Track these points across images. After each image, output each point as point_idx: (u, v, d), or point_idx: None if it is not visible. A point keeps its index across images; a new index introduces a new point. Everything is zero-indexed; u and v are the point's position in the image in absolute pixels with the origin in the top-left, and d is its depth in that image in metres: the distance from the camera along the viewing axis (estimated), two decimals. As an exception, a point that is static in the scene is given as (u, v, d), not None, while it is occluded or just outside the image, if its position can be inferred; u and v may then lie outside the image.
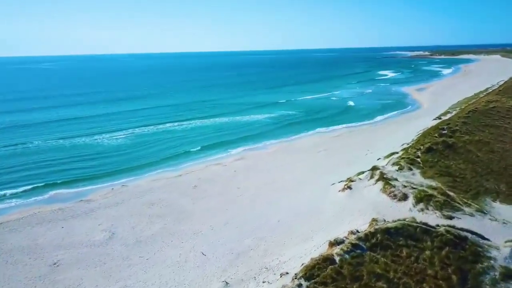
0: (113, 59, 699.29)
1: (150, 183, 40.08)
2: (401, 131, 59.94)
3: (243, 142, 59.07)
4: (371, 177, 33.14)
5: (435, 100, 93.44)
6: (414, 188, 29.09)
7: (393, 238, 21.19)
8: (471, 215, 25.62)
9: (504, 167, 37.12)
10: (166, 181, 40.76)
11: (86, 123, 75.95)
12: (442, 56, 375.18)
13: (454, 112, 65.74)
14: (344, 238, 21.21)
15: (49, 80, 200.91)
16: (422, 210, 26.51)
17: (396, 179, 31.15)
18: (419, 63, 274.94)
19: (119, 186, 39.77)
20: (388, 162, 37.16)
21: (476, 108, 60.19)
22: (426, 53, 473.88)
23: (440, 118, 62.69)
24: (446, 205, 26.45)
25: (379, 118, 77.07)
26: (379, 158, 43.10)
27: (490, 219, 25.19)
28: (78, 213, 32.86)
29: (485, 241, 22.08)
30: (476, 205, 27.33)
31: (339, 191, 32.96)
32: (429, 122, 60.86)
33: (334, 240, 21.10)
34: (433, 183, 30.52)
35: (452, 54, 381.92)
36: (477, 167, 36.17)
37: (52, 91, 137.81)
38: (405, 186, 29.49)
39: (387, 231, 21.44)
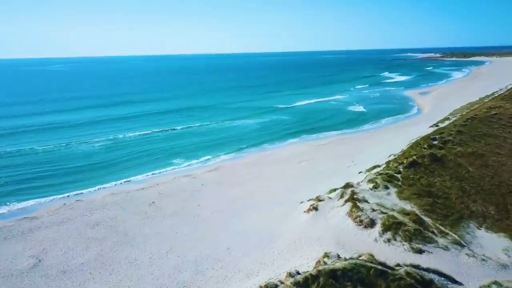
0: (121, 61, 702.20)
1: (106, 198, 36.69)
2: (394, 139, 55.70)
3: (224, 151, 55.41)
4: (341, 196, 29.19)
5: (437, 105, 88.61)
6: (384, 213, 25.09)
7: (339, 283, 17.33)
8: (445, 248, 21.58)
9: (497, 184, 32.72)
10: (124, 195, 37.34)
11: (70, 130, 73.09)
12: (454, 58, 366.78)
13: (453, 119, 61.24)
14: (279, 283, 17.44)
15: (53, 82, 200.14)
16: (388, 240, 22.59)
17: (366, 201, 27.18)
18: (429, 66, 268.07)
19: (73, 201, 36.52)
20: (365, 178, 33.15)
21: (475, 114, 55.55)
22: (437, 55, 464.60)
23: (437, 125, 58.24)
24: (417, 236, 22.44)
25: (374, 124, 72.74)
26: (361, 172, 39.09)
27: (467, 254, 21.11)
28: (14, 233, 29.64)
29: (455, 286, 18.14)
30: (454, 235, 23.24)
31: (305, 211, 29.14)
32: (426, 129, 56.51)
33: (265, 285, 17.34)
34: (408, 206, 26.47)
35: (464, 56, 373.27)
36: (466, 184, 31.91)
37: (49, 94, 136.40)
38: (374, 210, 25.48)
39: (332, 273, 17.60)
